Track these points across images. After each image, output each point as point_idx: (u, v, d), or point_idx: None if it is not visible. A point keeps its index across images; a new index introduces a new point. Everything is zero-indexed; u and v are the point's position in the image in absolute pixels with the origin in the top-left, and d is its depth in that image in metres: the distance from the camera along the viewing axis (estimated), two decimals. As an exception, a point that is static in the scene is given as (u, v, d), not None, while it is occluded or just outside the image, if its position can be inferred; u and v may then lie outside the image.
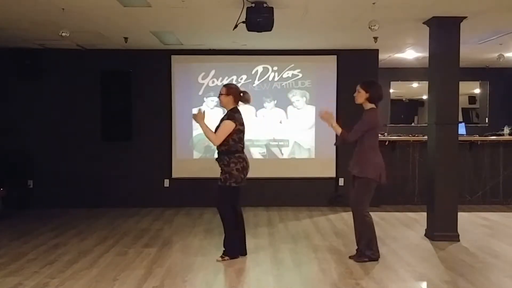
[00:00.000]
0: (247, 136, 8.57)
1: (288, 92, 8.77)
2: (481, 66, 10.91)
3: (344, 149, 8.65)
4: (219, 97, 5.52)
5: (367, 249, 5.34)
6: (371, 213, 8.04)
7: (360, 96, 5.32)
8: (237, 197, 5.53)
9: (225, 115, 5.44)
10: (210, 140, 5.33)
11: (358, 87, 5.35)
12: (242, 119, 5.45)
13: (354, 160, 5.35)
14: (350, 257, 5.45)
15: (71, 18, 6.11)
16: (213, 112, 8.65)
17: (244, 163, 5.39)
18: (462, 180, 8.25)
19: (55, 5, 5.57)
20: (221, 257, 5.41)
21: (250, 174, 8.65)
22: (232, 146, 5.33)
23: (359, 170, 5.28)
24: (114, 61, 8.61)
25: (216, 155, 5.47)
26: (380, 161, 5.29)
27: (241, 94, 5.47)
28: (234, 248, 5.47)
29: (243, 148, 5.45)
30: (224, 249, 5.48)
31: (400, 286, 4.71)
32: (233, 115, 5.39)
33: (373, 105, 5.32)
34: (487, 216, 7.95)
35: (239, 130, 5.37)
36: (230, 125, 5.30)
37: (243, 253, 5.56)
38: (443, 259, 5.53)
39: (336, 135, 5.44)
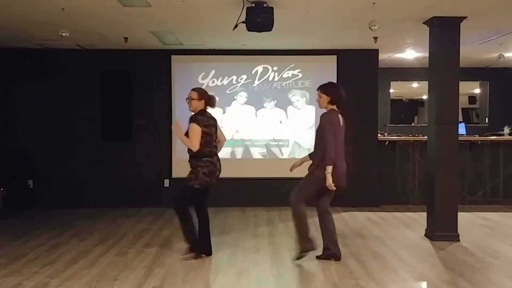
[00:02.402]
0: (247, 136, 8.77)
1: (288, 92, 8.77)
2: (481, 66, 10.90)
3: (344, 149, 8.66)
4: (189, 102, 5.39)
5: (303, 241, 5.26)
6: (371, 213, 8.12)
7: (322, 100, 5.31)
8: (204, 199, 5.52)
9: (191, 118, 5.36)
10: (190, 148, 5.26)
11: (319, 92, 5.35)
12: (207, 120, 5.36)
13: (313, 159, 5.28)
14: (294, 259, 5.38)
15: (71, 18, 6.11)
16: (214, 112, 8.66)
17: (212, 167, 5.32)
18: (462, 180, 8.25)
19: (55, 5, 5.57)
20: (185, 255, 5.43)
21: (250, 174, 8.81)
22: (199, 151, 5.26)
23: (312, 168, 5.23)
24: (114, 61, 8.62)
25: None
26: (339, 164, 5.17)
27: (209, 98, 5.49)
28: (197, 243, 5.43)
29: (211, 151, 5.35)
30: (188, 246, 5.47)
31: (400, 286, 4.71)
32: (195, 117, 5.34)
33: (334, 107, 5.31)
34: (487, 216, 7.95)
35: (204, 133, 5.27)
36: (196, 128, 5.25)
37: (209, 252, 5.55)
38: (443, 259, 5.53)
39: (314, 161, 5.25)
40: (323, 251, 5.42)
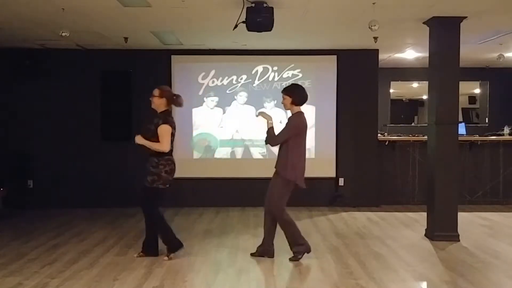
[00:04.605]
0: (248, 136, 8.75)
1: (288, 92, 8.77)
2: (481, 66, 10.91)
3: (344, 150, 8.67)
4: (151, 99, 5.43)
5: (295, 245, 5.38)
6: (371, 213, 8.11)
7: (286, 102, 5.40)
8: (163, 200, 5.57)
9: (158, 119, 5.35)
10: (160, 150, 5.29)
11: (282, 94, 5.43)
12: (174, 122, 5.43)
13: (279, 161, 5.42)
14: (290, 259, 5.42)
15: (71, 18, 6.10)
16: (213, 112, 8.69)
17: (172, 165, 5.40)
18: (462, 180, 8.25)
19: (55, 5, 5.57)
20: (167, 255, 5.44)
21: (251, 174, 8.78)
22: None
23: (281, 171, 5.37)
24: (114, 61, 8.62)
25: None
26: (303, 165, 5.37)
27: (174, 97, 5.47)
28: (174, 242, 5.47)
29: (172, 151, 5.42)
30: (166, 247, 5.48)
31: (400, 286, 4.71)
32: (167, 118, 5.37)
33: (299, 109, 5.40)
34: (487, 216, 7.95)
35: (172, 134, 5.35)
36: (167, 129, 5.29)
37: (156, 253, 5.55)
38: (443, 259, 5.53)
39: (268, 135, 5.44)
40: (259, 246, 5.51)
